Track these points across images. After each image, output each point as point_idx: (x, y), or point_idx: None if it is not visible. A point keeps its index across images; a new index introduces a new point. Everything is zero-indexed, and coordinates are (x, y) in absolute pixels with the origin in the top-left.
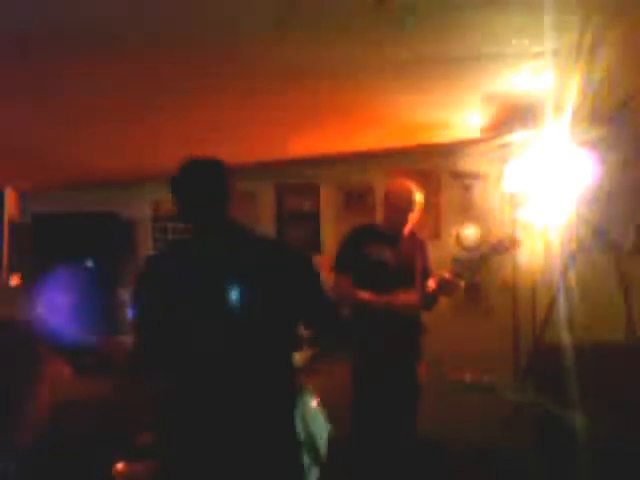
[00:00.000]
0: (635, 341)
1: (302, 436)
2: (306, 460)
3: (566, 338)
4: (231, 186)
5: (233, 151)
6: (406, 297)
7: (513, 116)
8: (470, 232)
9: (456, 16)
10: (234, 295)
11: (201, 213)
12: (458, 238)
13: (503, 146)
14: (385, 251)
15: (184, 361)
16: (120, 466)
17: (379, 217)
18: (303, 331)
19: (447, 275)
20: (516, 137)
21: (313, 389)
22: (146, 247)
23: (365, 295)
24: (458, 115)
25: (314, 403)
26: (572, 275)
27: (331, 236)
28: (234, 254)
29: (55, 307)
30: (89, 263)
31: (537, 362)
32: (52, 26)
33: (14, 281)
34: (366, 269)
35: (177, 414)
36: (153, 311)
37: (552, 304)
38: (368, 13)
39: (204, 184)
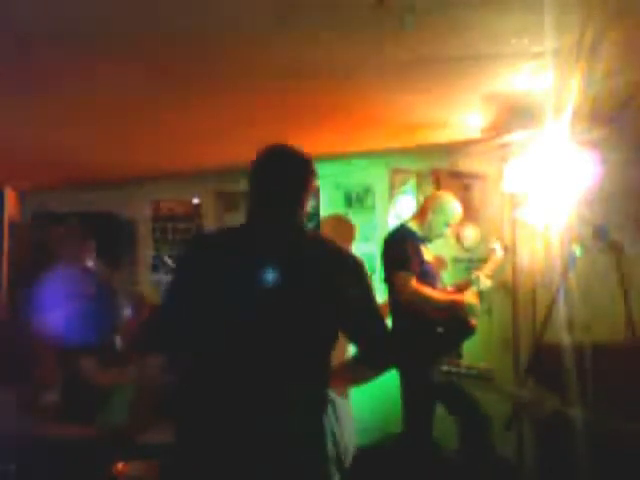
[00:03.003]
0: (635, 341)
1: (330, 443)
2: (332, 469)
3: (566, 338)
4: (309, 183)
5: (233, 151)
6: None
7: (513, 116)
8: (470, 232)
9: (456, 16)
10: (280, 289)
11: (278, 200)
12: (458, 238)
13: (503, 146)
14: (426, 254)
15: (213, 353)
16: (120, 466)
17: (419, 219)
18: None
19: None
20: (516, 137)
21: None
22: (146, 247)
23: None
24: (458, 115)
25: (347, 408)
26: (572, 275)
27: (331, 236)
28: (291, 249)
29: (54, 307)
30: (89, 263)
31: (537, 362)
32: (52, 26)
33: None
34: (423, 270)
35: (197, 405)
36: (192, 287)
37: (552, 304)
38: (368, 13)
39: (292, 171)
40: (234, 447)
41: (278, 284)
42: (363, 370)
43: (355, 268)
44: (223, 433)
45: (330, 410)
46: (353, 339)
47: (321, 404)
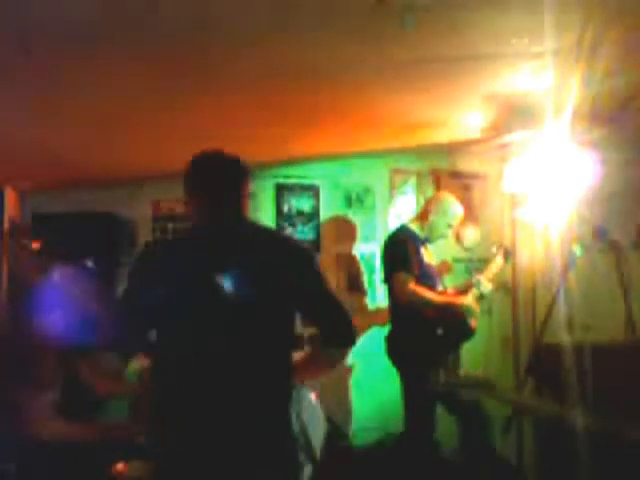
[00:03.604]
0: (635, 341)
1: (297, 432)
2: (300, 457)
3: (566, 338)
4: (247, 181)
5: (233, 151)
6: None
7: (513, 116)
8: (470, 232)
9: (456, 16)
10: (233, 285)
11: (216, 201)
12: (458, 238)
13: (503, 146)
14: (427, 256)
15: (175, 353)
16: (120, 466)
17: (421, 220)
18: (303, 330)
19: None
20: (516, 137)
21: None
22: None
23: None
24: (458, 115)
25: (312, 398)
26: (572, 275)
27: (331, 236)
28: (239, 244)
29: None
30: (89, 263)
31: (537, 362)
32: (53, 25)
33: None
34: (423, 271)
35: (168, 409)
36: (148, 294)
37: (552, 304)
38: (368, 13)
39: (224, 173)
40: (203, 443)
41: (232, 280)
42: (325, 354)
43: (304, 255)
44: (191, 430)
45: (297, 401)
46: (312, 322)
47: (286, 395)
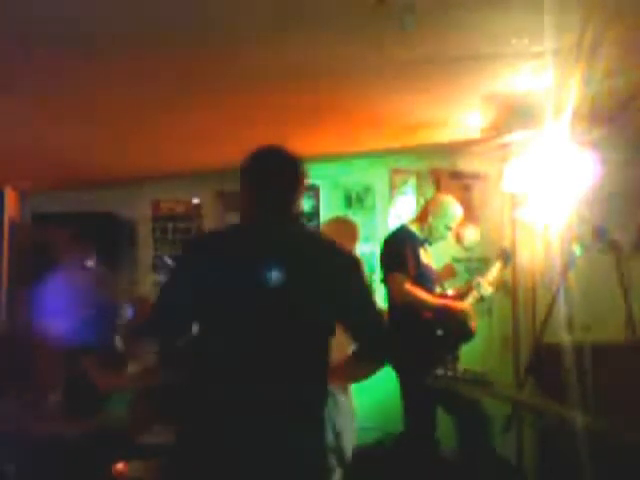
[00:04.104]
0: (635, 341)
1: (331, 436)
2: (331, 461)
3: (566, 338)
4: (303, 181)
5: (233, 151)
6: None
7: (513, 116)
8: (470, 232)
9: (456, 16)
10: (280, 284)
11: (273, 200)
12: (458, 238)
13: (503, 146)
14: (425, 257)
15: (219, 350)
16: (120, 466)
17: (420, 221)
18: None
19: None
20: (516, 137)
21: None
22: (146, 247)
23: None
24: (458, 115)
25: (347, 403)
26: (572, 275)
27: (331, 236)
28: (289, 244)
29: (54, 307)
30: (89, 263)
31: (537, 362)
32: (52, 26)
33: None
34: (420, 272)
35: (199, 404)
36: (193, 289)
37: (552, 304)
38: (368, 13)
39: (284, 171)
40: (236, 445)
41: (277, 283)
42: (361, 365)
43: (352, 265)
44: (225, 431)
45: (331, 405)
46: (351, 335)
47: (321, 400)
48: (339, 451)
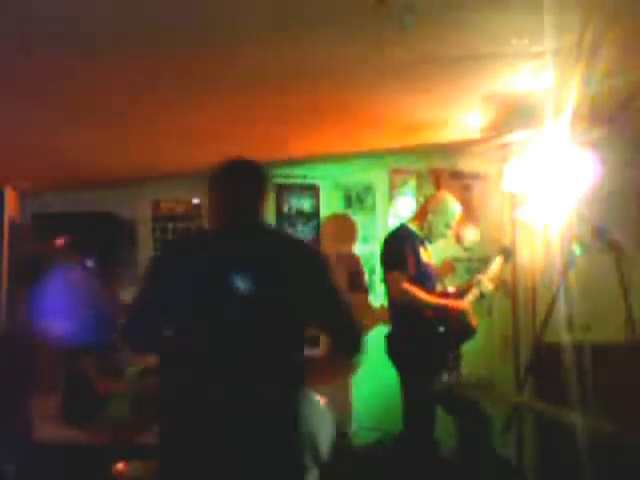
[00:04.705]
0: (635, 341)
1: (305, 436)
2: (307, 460)
3: (566, 338)
4: (264, 186)
5: (233, 151)
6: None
7: (513, 116)
8: (470, 232)
9: (456, 16)
10: (248, 285)
11: (235, 209)
12: (458, 238)
13: (503, 146)
14: (425, 255)
15: (190, 352)
16: (120, 466)
17: (419, 219)
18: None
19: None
20: (516, 137)
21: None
22: (146, 247)
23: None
24: (458, 115)
25: (320, 401)
26: (572, 275)
27: (331, 236)
28: (254, 245)
29: (54, 307)
30: (89, 263)
31: (537, 362)
32: (52, 25)
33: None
34: (420, 271)
35: (177, 408)
36: (164, 295)
37: (552, 304)
38: (368, 13)
39: (246, 182)
40: (213, 443)
41: (246, 284)
42: (337, 361)
43: (319, 263)
44: (202, 432)
45: (306, 404)
46: (324, 331)
47: (296, 397)
48: (314, 451)
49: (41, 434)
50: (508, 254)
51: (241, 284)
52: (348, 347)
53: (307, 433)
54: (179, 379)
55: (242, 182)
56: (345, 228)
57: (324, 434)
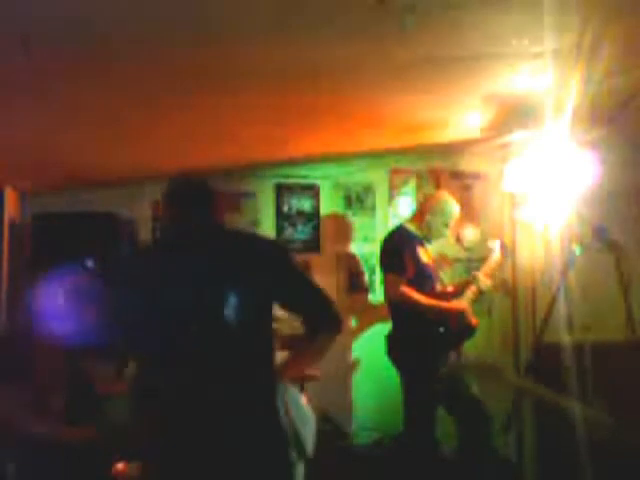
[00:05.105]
0: (635, 341)
1: (287, 430)
2: (292, 455)
3: (566, 338)
4: (210, 198)
5: (233, 151)
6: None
7: (513, 116)
8: (470, 232)
9: (456, 16)
10: (210, 286)
11: (186, 216)
12: (458, 238)
13: (503, 146)
14: (424, 255)
15: (159, 356)
16: (120, 466)
17: (417, 220)
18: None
19: None
20: (516, 137)
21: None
22: None
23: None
24: (458, 115)
25: (300, 398)
26: (572, 275)
27: (331, 236)
28: (210, 248)
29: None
30: (89, 263)
31: (537, 362)
32: (52, 25)
33: None
34: (420, 271)
35: (156, 412)
36: (128, 305)
37: (552, 304)
38: (368, 13)
39: (189, 192)
40: (190, 444)
41: (207, 280)
42: (314, 341)
43: (277, 250)
44: (178, 432)
45: (283, 399)
46: (296, 313)
47: (271, 391)
48: (299, 445)
49: (42, 433)
50: (505, 248)
51: (201, 280)
52: (323, 327)
53: (289, 427)
54: (150, 383)
55: (185, 195)
56: (345, 228)
57: (307, 429)
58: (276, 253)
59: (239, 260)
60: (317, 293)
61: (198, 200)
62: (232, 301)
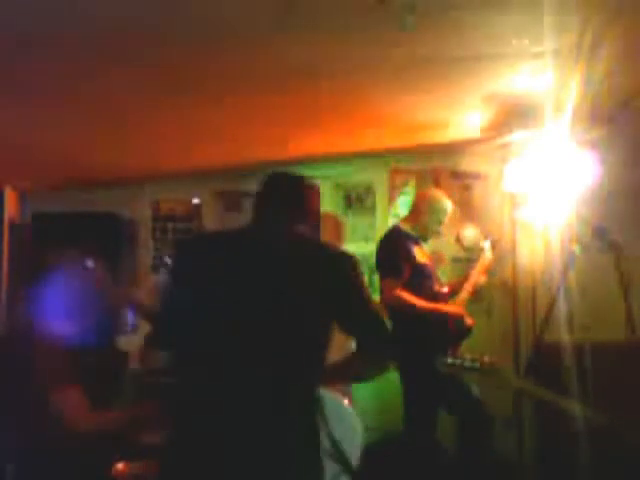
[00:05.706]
0: (635, 341)
1: (326, 442)
2: (334, 468)
3: (566, 338)
4: (309, 202)
5: (233, 151)
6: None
7: (513, 116)
8: (470, 232)
9: (456, 16)
10: (273, 289)
11: (268, 212)
12: (458, 238)
13: (503, 146)
14: (421, 255)
15: (205, 352)
16: (120, 466)
17: (412, 220)
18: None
19: None
20: (516, 137)
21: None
22: (146, 247)
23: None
24: (458, 115)
25: (343, 408)
26: (572, 275)
27: (331, 236)
28: (282, 250)
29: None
30: (89, 263)
31: (537, 362)
32: (52, 26)
33: None
34: (416, 272)
35: (185, 411)
36: (185, 292)
37: (552, 304)
38: (368, 13)
39: (273, 189)
40: (225, 446)
41: (271, 284)
42: (360, 366)
43: (348, 265)
44: (215, 432)
45: (329, 410)
46: (351, 335)
47: (313, 402)
48: (342, 460)
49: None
50: (494, 244)
51: (264, 283)
52: (374, 354)
53: (331, 440)
54: (194, 380)
55: (269, 192)
56: (345, 228)
57: (352, 443)
58: (348, 267)
59: (302, 270)
60: (376, 318)
61: (277, 201)
62: (289, 311)
